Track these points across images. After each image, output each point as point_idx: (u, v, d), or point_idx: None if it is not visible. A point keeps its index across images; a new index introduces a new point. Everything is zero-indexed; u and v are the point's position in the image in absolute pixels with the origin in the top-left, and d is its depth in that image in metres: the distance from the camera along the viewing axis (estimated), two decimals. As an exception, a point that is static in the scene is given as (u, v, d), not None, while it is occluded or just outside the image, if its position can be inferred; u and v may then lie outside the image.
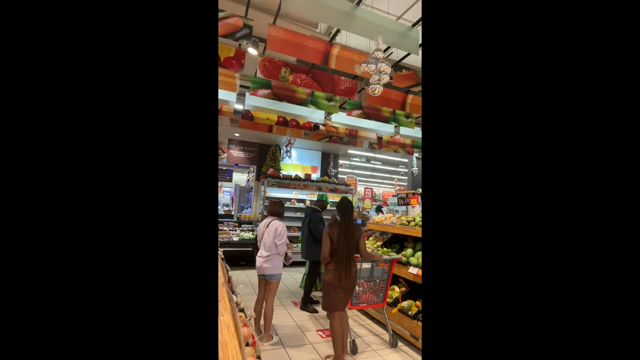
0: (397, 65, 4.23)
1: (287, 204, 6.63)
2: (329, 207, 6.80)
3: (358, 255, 2.98)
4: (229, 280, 2.39)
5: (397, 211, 6.68)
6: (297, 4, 2.70)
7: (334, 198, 7.13)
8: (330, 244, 2.46)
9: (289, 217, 6.39)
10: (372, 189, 10.78)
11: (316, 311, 3.71)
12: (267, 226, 2.95)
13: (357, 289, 2.86)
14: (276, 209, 3.05)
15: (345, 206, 2.54)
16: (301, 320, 3.41)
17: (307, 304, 3.80)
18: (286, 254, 3.03)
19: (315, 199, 4.22)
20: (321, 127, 5.56)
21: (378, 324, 3.41)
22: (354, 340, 2.73)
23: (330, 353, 2.68)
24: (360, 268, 2.84)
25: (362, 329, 3.27)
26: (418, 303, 3.07)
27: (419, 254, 3.21)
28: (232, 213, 8.44)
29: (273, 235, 2.87)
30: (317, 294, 4.18)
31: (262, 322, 2.93)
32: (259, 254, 2.93)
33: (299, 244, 4.28)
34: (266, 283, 2.89)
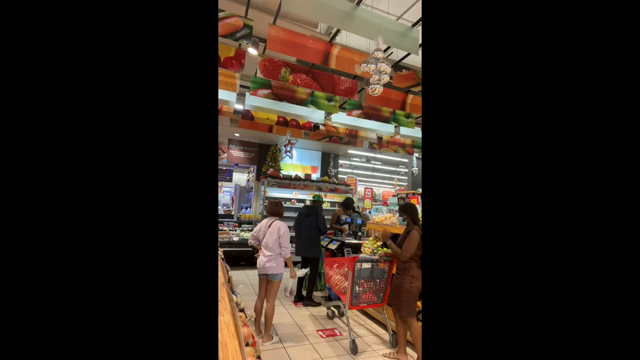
0: (397, 65, 4.23)
1: (287, 204, 6.63)
2: (328, 206, 6.88)
3: (358, 255, 2.97)
4: (229, 280, 2.39)
5: (397, 211, 6.67)
6: (297, 3, 2.70)
7: (333, 198, 7.14)
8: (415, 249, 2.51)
9: (289, 217, 6.39)
10: (372, 189, 10.78)
11: (319, 304, 3.83)
12: (269, 226, 2.95)
13: (357, 288, 2.86)
14: (276, 209, 3.08)
15: (415, 210, 2.65)
16: (301, 320, 3.41)
17: (309, 299, 3.90)
18: (290, 284, 3.11)
19: (313, 199, 4.27)
20: (321, 127, 5.56)
21: (378, 324, 3.41)
22: (353, 340, 2.73)
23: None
24: (360, 268, 2.84)
25: (362, 329, 3.27)
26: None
27: (419, 254, 3.21)
28: (232, 213, 8.44)
29: (276, 235, 2.88)
30: (317, 294, 4.19)
31: (262, 321, 2.94)
32: (261, 253, 2.94)
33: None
34: (268, 282, 2.91)
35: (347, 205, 4.67)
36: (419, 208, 4.10)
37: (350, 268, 2.82)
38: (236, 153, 7.46)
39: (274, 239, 2.88)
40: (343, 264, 3.13)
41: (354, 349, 2.69)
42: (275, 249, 2.87)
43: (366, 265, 2.87)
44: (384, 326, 3.27)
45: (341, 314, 3.57)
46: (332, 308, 3.58)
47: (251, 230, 6.40)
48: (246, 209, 7.56)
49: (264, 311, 2.90)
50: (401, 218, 2.64)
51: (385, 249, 3.80)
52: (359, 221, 4.88)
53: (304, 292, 4.05)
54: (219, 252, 2.81)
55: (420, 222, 3.38)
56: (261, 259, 2.90)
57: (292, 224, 6.58)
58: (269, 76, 3.32)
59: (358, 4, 3.02)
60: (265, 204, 6.32)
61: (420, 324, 2.50)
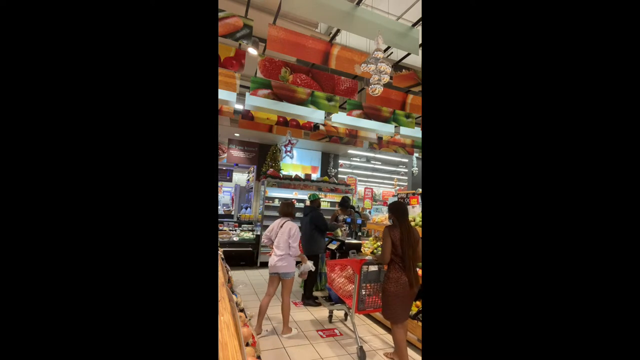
0: (397, 65, 4.23)
1: (288, 204, 6.62)
2: (328, 206, 6.89)
3: (366, 258, 2.81)
4: (229, 280, 2.39)
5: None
6: (297, 3, 2.70)
7: (333, 198, 7.14)
8: (391, 247, 2.34)
9: (289, 217, 6.38)
10: (372, 189, 10.77)
11: (319, 304, 3.84)
12: (281, 227, 3.07)
13: (362, 292, 2.75)
14: (288, 209, 3.20)
15: (400, 209, 2.46)
16: (301, 320, 3.41)
17: (309, 299, 3.94)
18: (300, 268, 3.22)
19: (310, 199, 4.33)
20: (321, 127, 5.55)
21: (380, 325, 3.37)
22: (361, 347, 2.62)
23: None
24: (367, 271, 2.72)
25: (367, 334, 3.17)
26: (418, 303, 3.06)
27: (419, 253, 3.20)
28: (232, 213, 8.44)
29: (287, 235, 3.00)
30: (317, 294, 4.19)
31: (265, 317, 3.02)
32: (273, 253, 3.06)
33: None
34: (281, 281, 3.03)
35: (345, 204, 4.69)
36: (419, 208, 4.12)
37: (357, 271, 2.69)
38: (236, 153, 7.46)
39: (285, 239, 3.00)
40: (346, 266, 3.06)
41: (362, 357, 2.57)
42: (285, 248, 2.98)
43: (373, 268, 2.74)
44: (388, 329, 3.18)
45: (343, 318, 3.50)
46: (335, 312, 3.46)
47: (251, 231, 6.43)
48: (246, 209, 7.56)
49: (280, 308, 3.03)
50: (391, 220, 2.50)
51: (385, 249, 3.80)
52: (359, 221, 4.88)
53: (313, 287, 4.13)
54: (219, 252, 2.82)
55: (417, 222, 3.37)
56: (272, 258, 3.03)
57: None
58: (269, 76, 3.32)
59: (358, 4, 3.02)
60: (266, 204, 6.34)
61: (402, 330, 2.35)
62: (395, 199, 5.32)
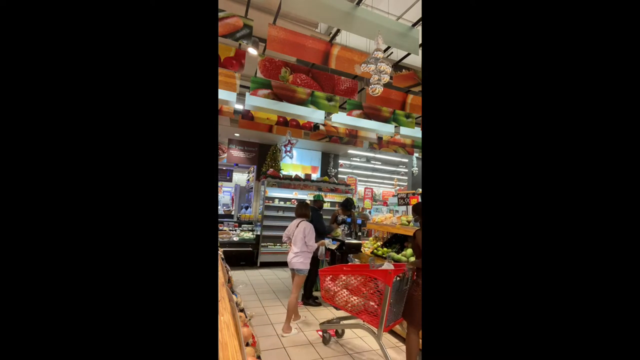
0: (397, 65, 4.23)
1: (288, 204, 6.65)
2: (328, 206, 6.89)
3: (403, 268, 2.53)
4: (229, 280, 2.39)
5: (397, 211, 6.68)
6: (297, 3, 2.70)
7: (334, 198, 7.14)
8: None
9: (291, 217, 6.39)
10: (372, 189, 10.77)
11: (319, 304, 3.96)
12: (297, 226, 3.34)
13: (373, 304, 2.48)
14: (302, 210, 3.43)
15: None
16: (301, 320, 3.41)
17: (309, 299, 4.01)
18: (319, 251, 3.70)
19: (313, 199, 4.37)
20: (321, 127, 5.55)
21: (402, 340, 3.03)
22: None
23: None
24: (394, 281, 2.45)
25: (373, 342, 2.88)
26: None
27: (419, 254, 3.19)
28: (232, 213, 8.44)
29: (302, 234, 3.24)
30: (317, 294, 4.20)
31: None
32: (290, 250, 3.34)
33: None
34: (295, 276, 3.25)
35: (347, 205, 4.71)
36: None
37: (389, 283, 2.35)
38: (236, 153, 7.46)
39: (300, 237, 3.23)
40: (339, 275, 2.73)
41: None
42: (302, 247, 3.22)
43: (397, 277, 2.49)
44: (402, 339, 2.98)
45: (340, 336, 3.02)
46: (339, 330, 3.01)
47: (251, 231, 6.44)
48: (246, 209, 7.56)
49: (286, 307, 3.22)
50: (417, 223, 2.36)
51: (385, 249, 3.80)
52: (359, 221, 4.88)
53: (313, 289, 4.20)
54: (219, 252, 2.82)
55: None
56: (290, 255, 3.29)
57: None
58: (269, 76, 3.32)
59: (358, 4, 3.02)
60: (266, 204, 6.35)
61: (417, 338, 2.24)
62: (396, 199, 5.32)
